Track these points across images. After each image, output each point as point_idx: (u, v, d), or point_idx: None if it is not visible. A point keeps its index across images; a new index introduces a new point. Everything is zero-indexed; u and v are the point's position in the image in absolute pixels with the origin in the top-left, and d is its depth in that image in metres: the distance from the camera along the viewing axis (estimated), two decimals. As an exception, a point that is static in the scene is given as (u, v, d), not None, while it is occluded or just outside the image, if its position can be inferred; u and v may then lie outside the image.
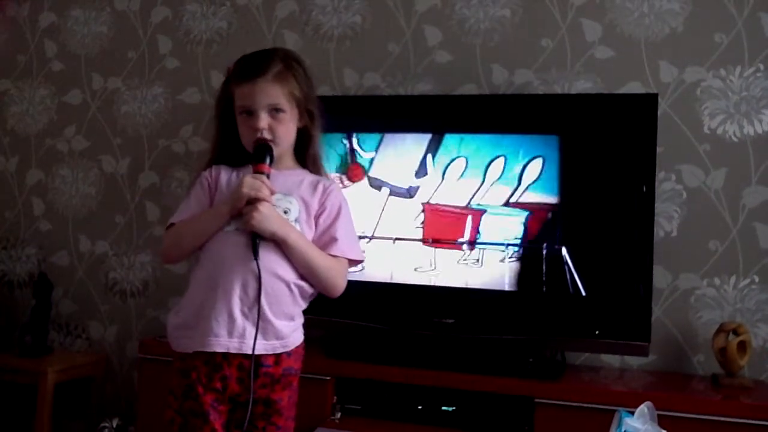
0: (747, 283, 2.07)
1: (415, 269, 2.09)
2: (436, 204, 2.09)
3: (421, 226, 2.10)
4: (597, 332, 1.96)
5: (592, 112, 2.04)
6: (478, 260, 2.06)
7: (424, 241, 2.09)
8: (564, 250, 1.99)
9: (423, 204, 2.10)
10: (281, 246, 1.44)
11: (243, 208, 1.43)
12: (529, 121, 2.08)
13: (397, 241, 2.11)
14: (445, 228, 2.08)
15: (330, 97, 2.39)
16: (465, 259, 2.07)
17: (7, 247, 2.82)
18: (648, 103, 1.99)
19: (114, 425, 2.33)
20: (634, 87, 2.17)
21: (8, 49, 2.87)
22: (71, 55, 2.78)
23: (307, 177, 1.55)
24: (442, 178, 2.10)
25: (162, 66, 2.67)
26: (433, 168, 2.11)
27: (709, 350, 2.01)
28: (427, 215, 2.10)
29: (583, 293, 1.97)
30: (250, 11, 2.57)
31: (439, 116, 2.16)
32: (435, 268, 2.08)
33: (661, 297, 2.11)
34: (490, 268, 2.04)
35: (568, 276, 1.98)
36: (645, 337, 1.92)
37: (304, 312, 1.53)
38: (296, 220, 1.48)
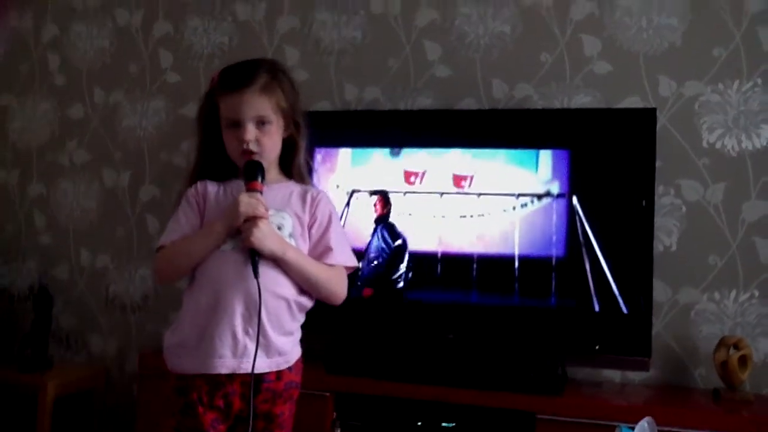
0: (747, 297, 2.07)
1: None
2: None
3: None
4: (597, 347, 1.96)
5: (591, 127, 2.05)
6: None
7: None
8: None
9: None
10: (279, 263, 1.43)
11: (240, 226, 1.42)
12: (528, 135, 2.09)
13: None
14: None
15: (330, 112, 2.42)
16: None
17: (7, 260, 2.82)
18: (647, 117, 2.01)
19: (114, 439, 2.32)
20: (633, 101, 2.18)
21: (11, 63, 2.88)
22: (73, 69, 2.80)
23: (295, 188, 1.55)
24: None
25: (163, 80, 2.68)
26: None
27: (710, 364, 2.01)
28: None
29: (584, 307, 1.97)
30: (251, 26, 2.59)
31: (440, 130, 2.18)
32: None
33: (662, 311, 2.11)
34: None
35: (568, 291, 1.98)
36: (646, 351, 1.92)
37: (304, 327, 1.54)
38: (290, 235, 1.48)
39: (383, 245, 2.13)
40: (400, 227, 2.14)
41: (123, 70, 2.73)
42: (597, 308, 1.96)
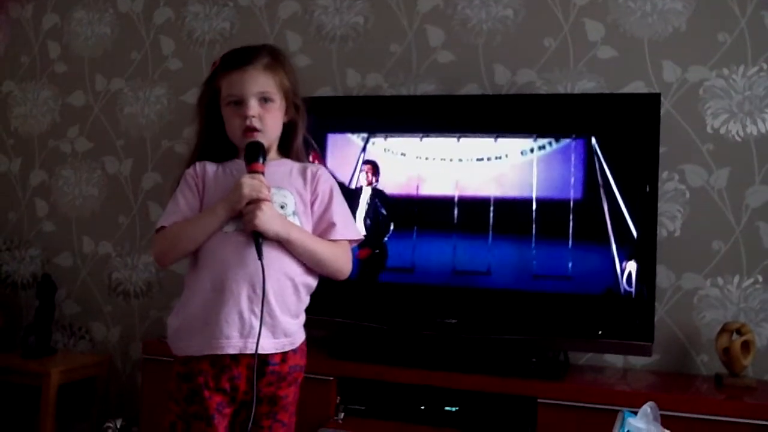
0: (750, 283, 2.07)
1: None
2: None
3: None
4: (600, 332, 1.96)
5: (595, 112, 2.04)
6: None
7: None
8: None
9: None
10: (284, 244, 1.43)
11: (243, 209, 1.41)
12: (531, 121, 2.08)
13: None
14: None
15: (332, 98, 2.41)
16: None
17: (10, 248, 2.83)
18: (651, 102, 1.99)
19: (118, 426, 2.33)
20: (637, 87, 2.17)
21: (12, 51, 2.87)
22: (74, 57, 2.79)
23: (294, 165, 1.54)
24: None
25: (165, 67, 2.67)
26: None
27: (713, 350, 2.01)
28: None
29: (586, 292, 1.97)
30: (252, 12, 2.58)
31: (442, 116, 2.17)
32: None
33: (665, 297, 2.11)
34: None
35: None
36: (648, 337, 1.92)
37: (306, 312, 1.54)
38: (294, 213, 1.48)
39: (375, 214, 2.13)
40: (417, 172, 2.11)
41: (124, 58, 2.72)
42: (614, 247, 1.93)
